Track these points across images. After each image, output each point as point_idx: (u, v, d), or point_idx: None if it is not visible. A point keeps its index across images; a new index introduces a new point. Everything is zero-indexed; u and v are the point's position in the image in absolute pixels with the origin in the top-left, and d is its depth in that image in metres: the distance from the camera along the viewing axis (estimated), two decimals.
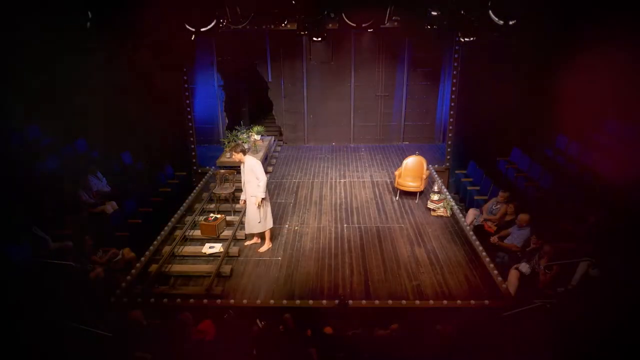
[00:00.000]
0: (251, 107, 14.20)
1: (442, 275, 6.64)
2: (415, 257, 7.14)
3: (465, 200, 9.66)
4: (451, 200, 8.73)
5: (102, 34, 6.76)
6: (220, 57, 12.38)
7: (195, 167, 10.74)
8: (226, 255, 7.05)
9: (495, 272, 6.50)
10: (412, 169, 9.28)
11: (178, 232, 7.70)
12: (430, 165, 10.20)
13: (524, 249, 6.90)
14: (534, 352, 4.63)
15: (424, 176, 9.13)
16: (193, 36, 7.25)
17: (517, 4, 6.49)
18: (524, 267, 6.45)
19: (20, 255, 6.17)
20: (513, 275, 6.44)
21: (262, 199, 6.79)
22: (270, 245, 7.38)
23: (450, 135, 10.81)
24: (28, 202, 7.00)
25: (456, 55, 10.14)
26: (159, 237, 7.55)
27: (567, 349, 4.61)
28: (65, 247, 6.68)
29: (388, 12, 7.75)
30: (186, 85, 10.35)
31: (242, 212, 7.72)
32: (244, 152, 6.89)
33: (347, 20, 7.41)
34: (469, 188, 9.58)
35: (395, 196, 9.34)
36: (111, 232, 7.33)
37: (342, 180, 10.34)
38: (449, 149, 10.92)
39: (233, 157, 6.88)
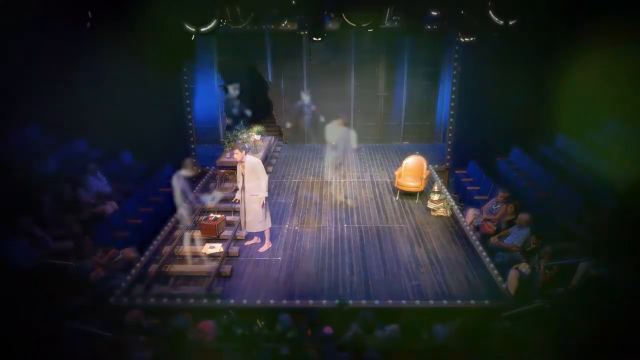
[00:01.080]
0: (251, 107, 14.16)
1: (442, 275, 6.64)
2: (415, 257, 7.14)
3: (465, 200, 9.65)
4: (451, 200, 8.73)
5: (102, 34, 6.76)
6: (220, 57, 12.38)
7: (195, 167, 10.74)
8: (226, 255, 7.05)
9: (495, 272, 6.50)
10: (412, 169, 9.28)
11: (178, 232, 7.70)
12: (430, 165, 10.19)
13: (524, 249, 6.90)
14: (534, 352, 4.63)
15: (424, 176, 9.13)
16: (193, 36, 7.26)
17: (517, 4, 6.50)
18: (524, 267, 6.45)
19: (20, 255, 6.17)
20: (513, 275, 6.43)
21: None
22: (270, 245, 7.38)
23: (450, 135, 10.81)
24: (28, 202, 7.00)
25: (456, 55, 10.13)
26: (158, 237, 7.55)
27: (567, 349, 4.60)
28: (65, 247, 6.68)
29: (388, 12, 7.75)
30: (186, 85, 10.34)
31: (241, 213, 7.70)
32: (246, 151, 6.90)
33: (347, 20, 7.41)
34: (469, 188, 9.58)
35: (395, 196, 9.34)
36: (111, 232, 7.33)
37: (342, 180, 10.33)
38: (449, 149, 10.91)
39: (235, 155, 6.88)
